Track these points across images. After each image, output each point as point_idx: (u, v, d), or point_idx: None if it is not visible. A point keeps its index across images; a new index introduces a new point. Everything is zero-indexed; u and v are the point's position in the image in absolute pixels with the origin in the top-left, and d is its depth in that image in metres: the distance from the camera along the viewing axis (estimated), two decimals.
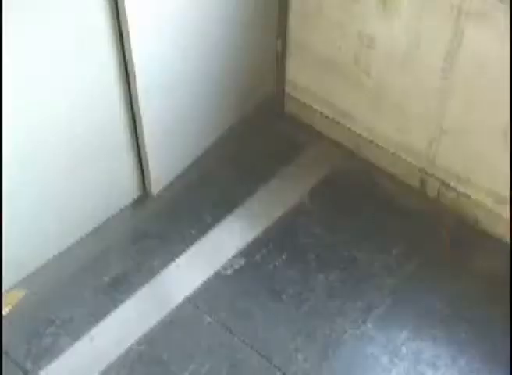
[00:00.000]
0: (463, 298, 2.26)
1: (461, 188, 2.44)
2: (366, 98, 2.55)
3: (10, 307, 2.19)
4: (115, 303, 2.25)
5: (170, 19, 2.16)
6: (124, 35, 2.02)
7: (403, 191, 2.59)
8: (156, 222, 2.49)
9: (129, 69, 2.11)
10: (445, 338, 2.17)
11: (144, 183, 2.46)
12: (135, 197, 2.47)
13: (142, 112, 2.22)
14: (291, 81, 2.81)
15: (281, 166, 2.64)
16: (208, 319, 2.21)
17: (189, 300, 2.26)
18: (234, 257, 2.38)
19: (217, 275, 2.33)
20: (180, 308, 2.24)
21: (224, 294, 2.28)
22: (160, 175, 2.47)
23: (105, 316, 2.21)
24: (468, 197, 2.44)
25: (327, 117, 2.75)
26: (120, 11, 1.96)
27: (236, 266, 2.35)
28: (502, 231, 2.40)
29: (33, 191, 2.08)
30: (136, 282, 2.30)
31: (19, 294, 2.22)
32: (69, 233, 2.31)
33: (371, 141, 2.65)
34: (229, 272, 2.33)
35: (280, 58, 2.75)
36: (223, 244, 2.42)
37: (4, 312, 2.17)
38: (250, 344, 2.14)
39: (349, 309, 2.24)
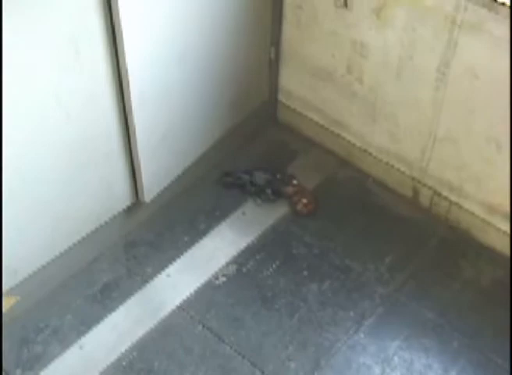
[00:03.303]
0: (454, 308, 2.26)
1: (453, 197, 2.45)
2: (359, 106, 2.55)
3: (4, 311, 2.17)
4: (106, 311, 2.24)
5: (164, 26, 2.15)
6: (118, 44, 2.02)
7: (396, 200, 2.59)
8: (148, 229, 2.48)
9: (122, 77, 2.11)
10: (436, 348, 2.17)
11: (136, 191, 2.45)
12: (127, 204, 2.46)
13: (135, 119, 2.21)
14: (284, 89, 2.81)
15: (273, 174, 2.63)
16: (200, 327, 2.20)
17: (181, 308, 2.25)
18: (226, 265, 2.37)
19: (209, 283, 2.32)
20: (172, 316, 2.23)
21: (216, 302, 2.27)
22: (152, 182, 2.46)
23: (96, 323, 2.20)
24: (460, 206, 2.44)
25: (320, 125, 2.76)
26: (114, 20, 1.96)
27: (229, 275, 2.34)
28: (493, 241, 2.40)
29: (25, 198, 2.06)
30: (127, 290, 2.30)
31: (11, 301, 2.20)
32: (62, 240, 2.29)
33: (364, 150, 2.65)
34: (221, 280, 2.33)
35: (274, 66, 2.76)
36: (215, 252, 2.41)
37: None
38: (242, 353, 2.14)
39: (341, 318, 2.24)
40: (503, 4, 1.92)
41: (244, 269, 2.36)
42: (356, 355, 2.15)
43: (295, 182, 2.57)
